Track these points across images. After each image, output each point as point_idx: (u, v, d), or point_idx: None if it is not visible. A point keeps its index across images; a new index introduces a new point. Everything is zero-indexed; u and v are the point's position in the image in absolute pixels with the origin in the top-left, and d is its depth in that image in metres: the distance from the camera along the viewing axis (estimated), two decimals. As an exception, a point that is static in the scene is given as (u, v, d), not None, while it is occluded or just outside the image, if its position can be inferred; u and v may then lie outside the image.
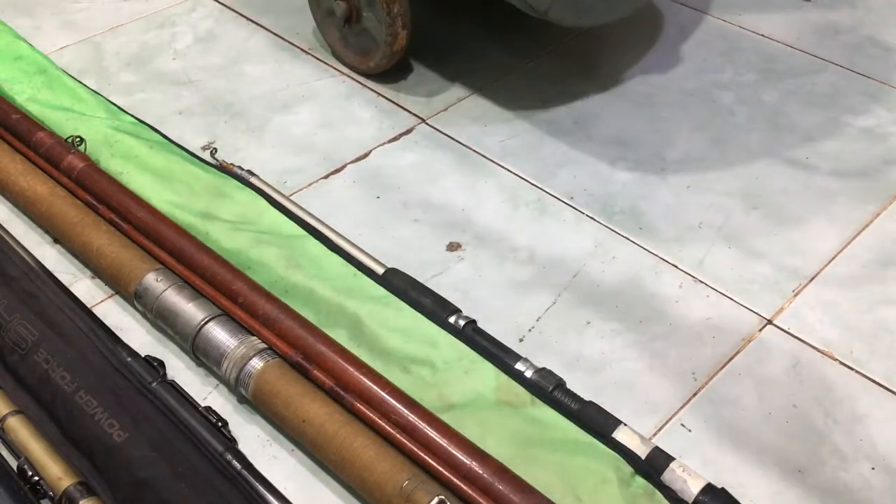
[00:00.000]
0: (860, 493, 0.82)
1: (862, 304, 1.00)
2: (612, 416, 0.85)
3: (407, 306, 0.95)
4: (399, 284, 0.99)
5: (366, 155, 1.23)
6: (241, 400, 0.90)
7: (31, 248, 1.06)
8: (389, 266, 1.02)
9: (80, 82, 1.33)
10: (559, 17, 1.19)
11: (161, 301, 0.94)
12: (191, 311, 0.92)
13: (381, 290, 0.98)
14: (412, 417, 0.80)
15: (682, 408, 0.89)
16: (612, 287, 1.02)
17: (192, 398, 0.86)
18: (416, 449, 0.78)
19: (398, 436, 0.79)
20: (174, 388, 0.87)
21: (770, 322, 0.98)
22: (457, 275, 1.05)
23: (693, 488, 0.78)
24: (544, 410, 0.85)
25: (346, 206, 1.15)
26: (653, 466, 0.80)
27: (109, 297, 1.02)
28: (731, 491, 0.78)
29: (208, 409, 0.85)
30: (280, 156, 1.23)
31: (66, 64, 1.40)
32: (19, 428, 0.83)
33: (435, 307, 0.96)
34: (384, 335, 0.92)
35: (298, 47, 1.46)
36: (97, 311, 0.98)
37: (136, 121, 1.25)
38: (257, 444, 0.86)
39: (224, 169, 1.17)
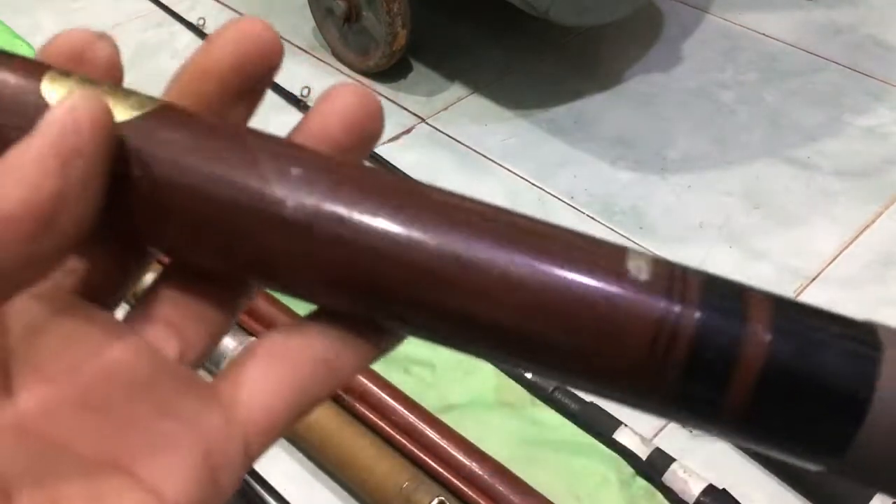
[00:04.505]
0: (862, 495, 0.81)
1: (864, 304, 1.00)
2: (612, 416, 0.84)
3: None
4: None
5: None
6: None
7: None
8: (389, 266, 1.01)
9: (79, 81, 1.32)
10: (559, 16, 1.18)
11: (160, 301, 0.93)
12: (190, 311, 0.92)
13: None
14: (412, 418, 0.80)
15: (683, 408, 0.89)
16: (613, 287, 1.02)
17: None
18: (415, 450, 0.78)
19: (398, 437, 0.79)
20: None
21: (771, 322, 0.98)
22: (457, 275, 1.04)
23: (694, 489, 0.77)
24: (544, 411, 0.85)
25: (346, 205, 1.14)
26: (653, 467, 0.80)
27: (108, 297, 1.02)
28: (732, 492, 0.78)
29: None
30: (279, 155, 1.23)
31: (65, 63, 1.39)
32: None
33: (435, 307, 0.95)
34: (384, 335, 0.92)
35: (298, 46, 1.45)
36: (96, 312, 0.97)
37: (135, 120, 1.25)
38: (256, 444, 0.86)
39: (223, 168, 1.16)
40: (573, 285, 0.19)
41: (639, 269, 0.19)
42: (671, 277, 0.19)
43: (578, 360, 0.19)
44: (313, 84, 1.34)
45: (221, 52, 0.20)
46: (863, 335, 0.18)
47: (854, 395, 0.18)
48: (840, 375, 0.18)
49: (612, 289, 0.19)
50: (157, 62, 1.42)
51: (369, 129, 0.21)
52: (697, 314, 0.18)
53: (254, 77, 0.21)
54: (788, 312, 0.19)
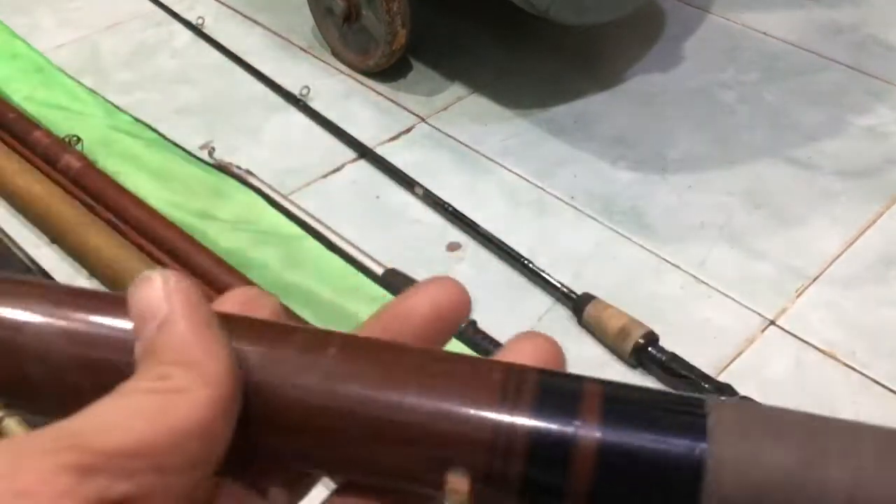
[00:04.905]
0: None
1: (865, 304, 0.99)
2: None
3: (406, 307, 0.95)
4: (399, 285, 0.98)
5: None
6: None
7: (27, 248, 1.05)
8: (389, 266, 1.01)
9: (78, 81, 1.32)
10: (560, 15, 1.18)
11: (158, 301, 0.94)
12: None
13: (381, 291, 0.97)
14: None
15: (684, 409, 0.89)
16: (613, 287, 1.01)
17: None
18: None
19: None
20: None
21: (773, 322, 0.98)
22: (457, 275, 1.03)
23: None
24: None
25: (346, 205, 1.14)
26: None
27: (106, 297, 1.01)
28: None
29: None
30: (279, 155, 1.23)
31: (63, 62, 1.39)
32: (16, 430, 0.82)
33: (435, 308, 0.95)
34: (383, 336, 0.92)
35: (297, 46, 1.45)
36: (94, 312, 0.97)
37: (133, 120, 1.25)
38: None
39: (222, 168, 1.16)
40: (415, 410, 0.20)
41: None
42: (505, 389, 0.20)
43: (431, 475, 0.20)
44: (312, 83, 1.34)
45: (420, 301, 0.23)
46: (692, 416, 0.19)
47: (686, 477, 0.18)
48: (670, 461, 0.19)
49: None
50: (156, 61, 1.42)
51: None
52: (530, 423, 0.19)
53: (444, 327, 0.23)
54: (618, 402, 0.20)
